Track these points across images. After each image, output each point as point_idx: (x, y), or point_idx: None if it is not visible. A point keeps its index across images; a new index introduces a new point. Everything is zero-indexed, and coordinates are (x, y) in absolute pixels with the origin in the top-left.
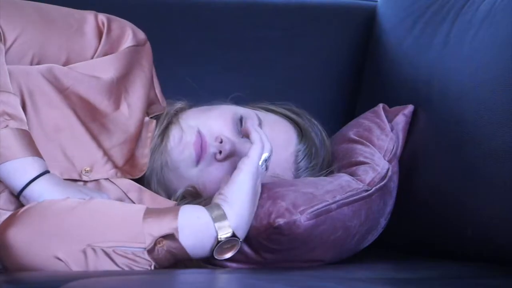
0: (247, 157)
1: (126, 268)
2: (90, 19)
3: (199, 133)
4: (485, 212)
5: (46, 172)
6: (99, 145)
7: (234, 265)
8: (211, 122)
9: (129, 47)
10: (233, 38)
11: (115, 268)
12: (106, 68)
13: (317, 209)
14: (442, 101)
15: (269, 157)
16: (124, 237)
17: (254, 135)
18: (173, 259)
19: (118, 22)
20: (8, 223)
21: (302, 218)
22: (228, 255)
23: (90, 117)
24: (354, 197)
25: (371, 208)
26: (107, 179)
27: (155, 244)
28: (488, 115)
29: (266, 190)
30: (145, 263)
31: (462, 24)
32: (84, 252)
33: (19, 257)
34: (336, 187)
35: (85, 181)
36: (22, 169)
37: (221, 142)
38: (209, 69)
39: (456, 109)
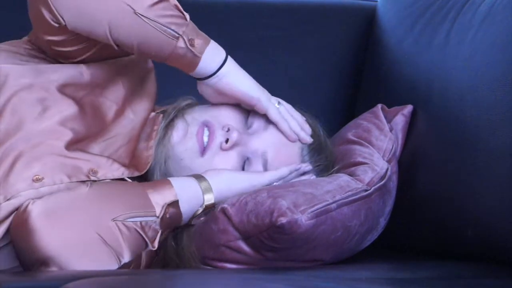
0: (261, 174)
1: (145, 238)
2: None
3: (204, 123)
4: (485, 212)
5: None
6: (102, 155)
7: (233, 266)
8: (218, 113)
9: None
10: (233, 38)
11: (136, 241)
12: None
13: (318, 208)
14: (442, 101)
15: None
16: (138, 208)
17: (291, 166)
18: (168, 227)
19: None
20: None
21: (303, 218)
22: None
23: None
24: (354, 197)
25: (371, 208)
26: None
27: (164, 212)
28: (488, 115)
29: (266, 190)
30: (155, 232)
31: (462, 24)
32: (115, 226)
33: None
34: (336, 187)
35: (94, 181)
36: (212, 57)
37: (228, 130)
38: None
39: (456, 109)
